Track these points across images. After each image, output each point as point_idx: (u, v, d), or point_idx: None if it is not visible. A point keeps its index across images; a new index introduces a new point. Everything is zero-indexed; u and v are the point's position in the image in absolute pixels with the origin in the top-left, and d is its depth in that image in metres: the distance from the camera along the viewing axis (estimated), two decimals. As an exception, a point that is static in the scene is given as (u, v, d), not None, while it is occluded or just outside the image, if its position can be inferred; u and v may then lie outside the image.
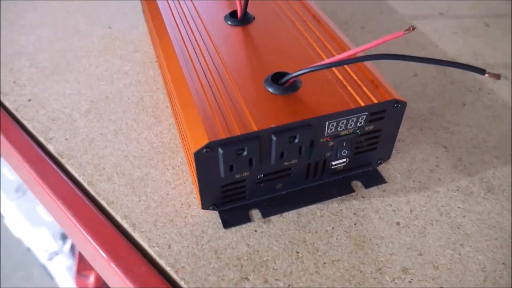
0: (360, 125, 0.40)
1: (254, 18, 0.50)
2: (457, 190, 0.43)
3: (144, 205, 0.42)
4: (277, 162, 0.39)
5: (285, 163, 0.40)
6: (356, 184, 0.44)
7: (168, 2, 0.53)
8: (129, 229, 0.41)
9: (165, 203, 0.42)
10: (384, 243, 0.39)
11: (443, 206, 0.42)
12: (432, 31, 0.65)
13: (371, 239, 0.39)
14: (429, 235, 0.40)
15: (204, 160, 0.36)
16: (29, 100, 0.54)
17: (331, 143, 0.40)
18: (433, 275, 0.37)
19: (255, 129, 0.36)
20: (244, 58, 0.44)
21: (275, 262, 0.38)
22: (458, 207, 0.42)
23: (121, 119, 0.51)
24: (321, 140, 0.40)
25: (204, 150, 0.35)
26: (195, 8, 0.52)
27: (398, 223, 0.41)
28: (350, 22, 0.67)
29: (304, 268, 0.37)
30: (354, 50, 0.37)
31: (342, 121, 0.39)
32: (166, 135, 0.49)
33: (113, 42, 0.64)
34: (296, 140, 0.38)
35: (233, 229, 0.40)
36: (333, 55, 0.43)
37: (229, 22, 0.49)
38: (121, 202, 0.43)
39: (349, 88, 0.40)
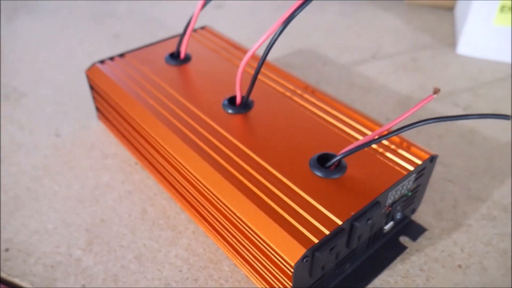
0: (409, 186, 0.42)
1: (253, 102, 0.48)
2: (483, 218, 0.48)
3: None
4: (353, 246, 0.38)
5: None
6: (404, 239, 0.45)
7: (142, 93, 0.49)
8: None
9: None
10: (460, 290, 0.41)
11: (483, 236, 0.46)
12: (377, 74, 0.71)
13: (449, 291, 0.41)
14: (490, 268, 0.43)
15: (301, 269, 0.34)
16: (7, 250, 0.44)
17: (388, 211, 0.41)
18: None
19: (340, 222, 0.35)
20: (273, 146, 0.42)
21: None
22: (494, 234, 0.46)
23: (135, 242, 0.45)
24: (382, 211, 0.40)
25: (304, 260, 0.33)
26: (182, 98, 0.49)
27: (460, 266, 0.43)
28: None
29: None
30: (393, 122, 0.38)
31: (398, 188, 0.40)
32: (196, 245, 0.44)
33: (71, 151, 0.55)
34: (370, 220, 0.38)
35: (326, 327, 0.38)
36: (349, 124, 0.45)
37: (229, 111, 0.47)
38: None
39: (389, 155, 0.41)
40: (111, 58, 0.56)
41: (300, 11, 0.40)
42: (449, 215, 0.48)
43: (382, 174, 0.39)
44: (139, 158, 0.53)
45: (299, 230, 0.35)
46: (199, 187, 0.42)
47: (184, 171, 0.43)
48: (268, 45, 0.41)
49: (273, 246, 0.35)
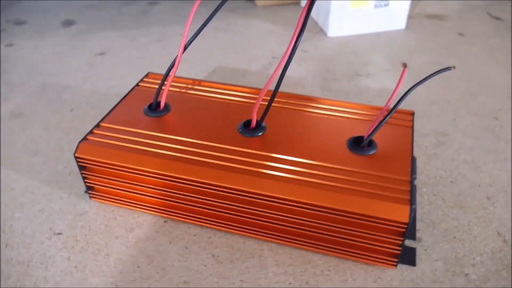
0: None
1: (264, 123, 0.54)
2: (437, 145, 0.64)
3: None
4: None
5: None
6: (409, 181, 0.59)
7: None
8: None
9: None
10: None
11: (445, 156, 0.62)
12: (288, 71, 0.82)
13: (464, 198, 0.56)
14: (467, 175, 0.59)
15: (409, 224, 0.43)
16: None
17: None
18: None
19: (409, 179, 0.45)
20: (310, 147, 0.50)
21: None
22: (451, 152, 0.63)
23: (233, 283, 0.46)
24: (408, 163, 0.52)
25: (412, 214, 0.43)
26: (196, 139, 0.51)
27: (451, 182, 0.58)
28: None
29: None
30: (389, 100, 0.50)
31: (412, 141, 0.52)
32: (282, 258, 0.49)
33: (90, 241, 0.51)
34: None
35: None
36: (348, 111, 0.55)
37: (247, 134, 0.52)
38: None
39: (392, 121, 0.53)
40: (91, 132, 0.53)
41: (299, 42, 0.47)
42: (417, 152, 0.63)
43: (400, 136, 0.51)
44: (169, 214, 0.53)
45: (390, 196, 0.44)
46: (274, 205, 0.47)
47: (251, 198, 0.47)
48: (280, 76, 0.48)
49: (382, 217, 0.43)
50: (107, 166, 0.51)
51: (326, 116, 0.55)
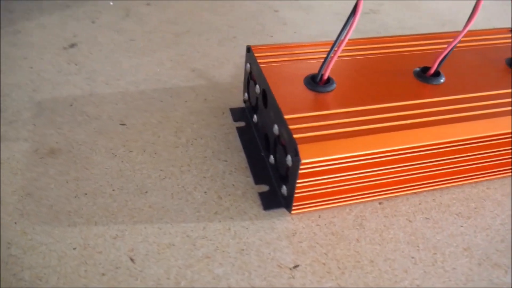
0: None
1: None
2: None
3: None
4: None
5: None
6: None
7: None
8: None
9: None
10: None
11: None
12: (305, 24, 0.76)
13: None
14: None
15: None
16: None
17: None
18: None
19: None
20: (479, 77, 0.51)
21: None
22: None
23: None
24: None
25: None
26: (387, 103, 0.46)
27: None
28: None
29: None
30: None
31: None
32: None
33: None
34: None
35: None
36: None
37: (434, 82, 0.49)
38: None
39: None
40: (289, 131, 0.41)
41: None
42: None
43: None
44: (382, 194, 0.47)
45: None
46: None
47: (470, 144, 0.46)
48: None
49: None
50: (333, 162, 0.41)
51: (480, 46, 0.55)
